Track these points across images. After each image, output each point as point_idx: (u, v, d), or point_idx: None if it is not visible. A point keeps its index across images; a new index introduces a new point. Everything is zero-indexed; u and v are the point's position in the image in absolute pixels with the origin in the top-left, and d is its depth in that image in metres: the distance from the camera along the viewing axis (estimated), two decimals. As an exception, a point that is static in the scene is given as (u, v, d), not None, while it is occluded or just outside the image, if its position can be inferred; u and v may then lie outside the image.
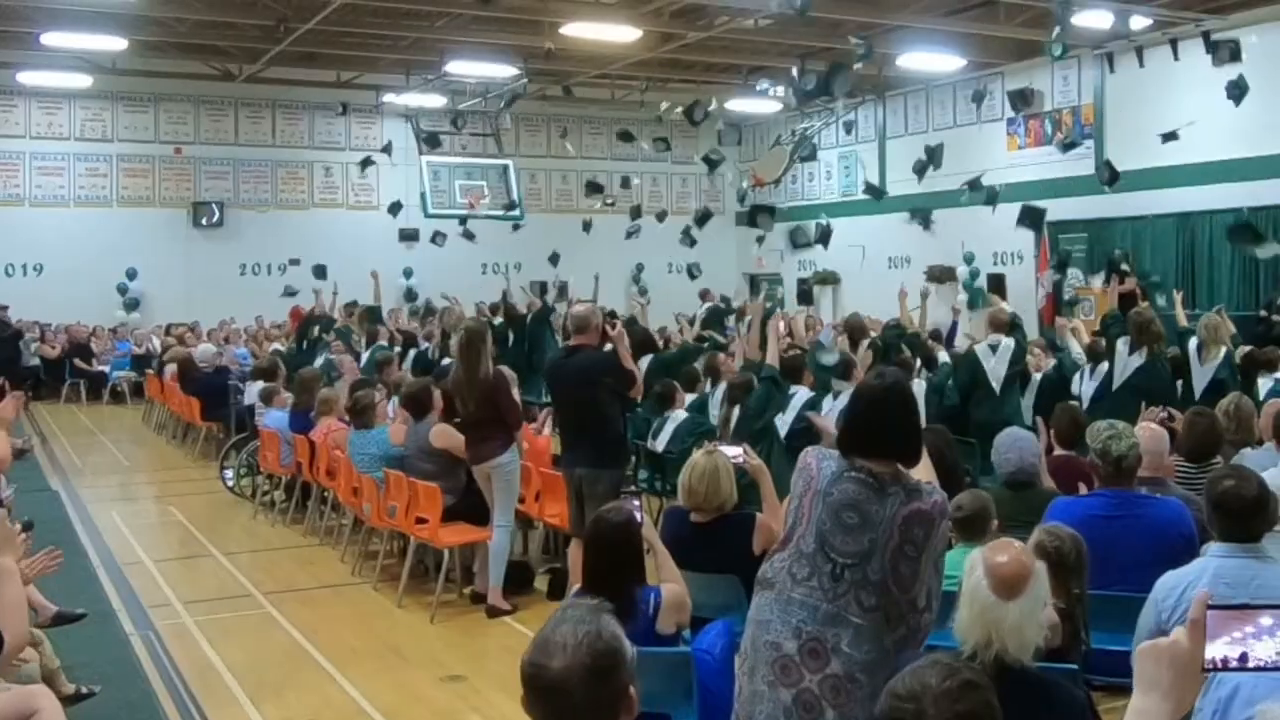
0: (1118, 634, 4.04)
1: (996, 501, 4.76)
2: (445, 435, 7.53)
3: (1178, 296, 11.01)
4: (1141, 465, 4.83)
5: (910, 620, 3.20)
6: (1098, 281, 10.62)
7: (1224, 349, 8.79)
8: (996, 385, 9.16)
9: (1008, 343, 9.33)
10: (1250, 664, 1.70)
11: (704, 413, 9.50)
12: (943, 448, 5.17)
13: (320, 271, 17.11)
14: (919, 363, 10.12)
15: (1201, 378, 8.62)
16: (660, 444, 8.84)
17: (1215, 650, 1.70)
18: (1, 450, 6.37)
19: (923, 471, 3.46)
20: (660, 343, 13.76)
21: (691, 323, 15.65)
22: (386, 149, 21.00)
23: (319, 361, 12.80)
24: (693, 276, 20.47)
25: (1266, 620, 1.70)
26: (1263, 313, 14.42)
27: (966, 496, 4.65)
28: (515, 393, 7.64)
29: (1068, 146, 16.05)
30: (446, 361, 10.65)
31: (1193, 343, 8.84)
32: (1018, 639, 2.86)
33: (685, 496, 4.97)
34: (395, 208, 20.80)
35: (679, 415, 8.98)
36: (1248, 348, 9.46)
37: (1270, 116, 14.56)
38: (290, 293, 18.85)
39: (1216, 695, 3.18)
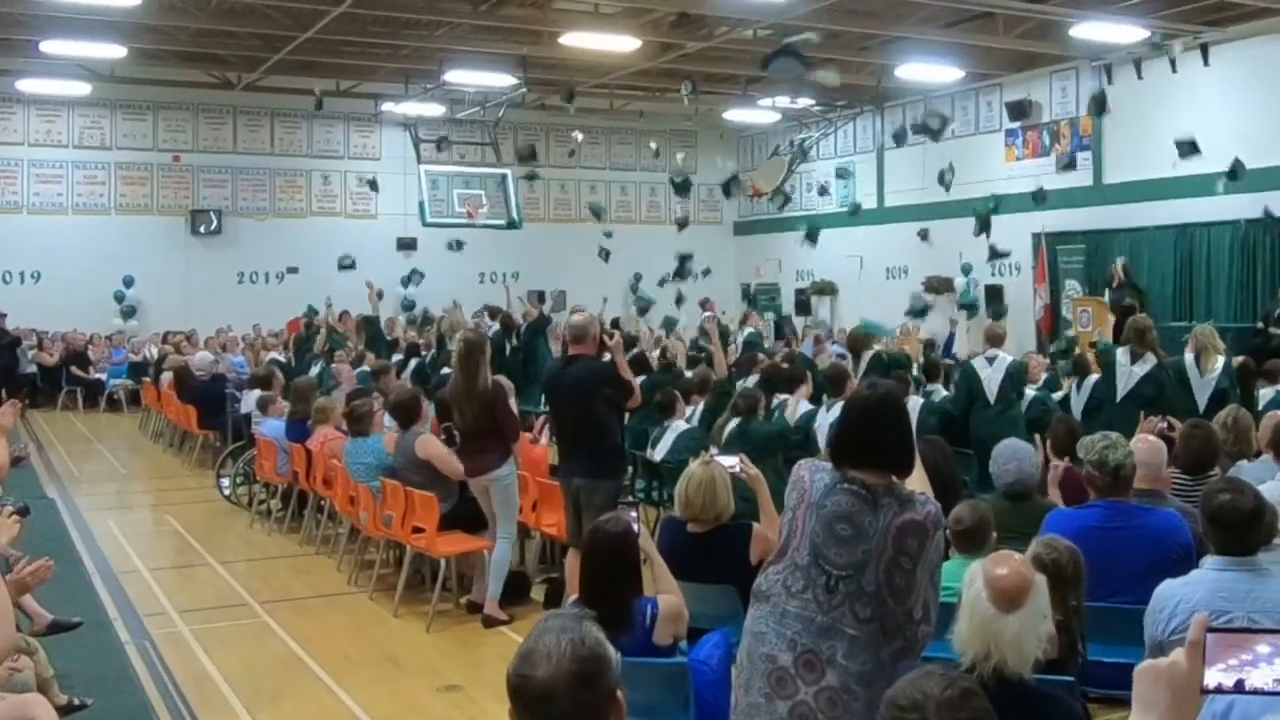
0: (1114, 646, 4.04)
1: (995, 512, 4.75)
2: (429, 445, 7.49)
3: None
4: (1138, 477, 4.82)
5: (908, 632, 3.19)
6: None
7: (1221, 358, 8.78)
8: (993, 397, 9.17)
9: (1004, 355, 9.35)
10: (1247, 689, 1.70)
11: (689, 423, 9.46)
12: (939, 459, 5.17)
13: (312, 312, 16.86)
14: (923, 378, 10.15)
15: (1203, 389, 8.59)
16: (659, 454, 8.82)
17: (1214, 676, 1.70)
18: (-1, 458, 6.35)
19: (917, 483, 3.46)
20: (657, 352, 13.76)
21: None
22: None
23: (315, 370, 12.79)
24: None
25: (1264, 648, 1.69)
26: (1259, 324, 14.44)
27: (966, 509, 4.64)
28: (513, 403, 7.62)
29: (1066, 166, 16.01)
30: (445, 371, 10.63)
31: (1189, 356, 8.84)
32: (1017, 651, 2.86)
33: (682, 507, 4.97)
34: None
35: (679, 426, 8.95)
36: (1241, 358, 9.47)
37: (1269, 128, 14.59)
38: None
39: (1211, 710, 3.18)
